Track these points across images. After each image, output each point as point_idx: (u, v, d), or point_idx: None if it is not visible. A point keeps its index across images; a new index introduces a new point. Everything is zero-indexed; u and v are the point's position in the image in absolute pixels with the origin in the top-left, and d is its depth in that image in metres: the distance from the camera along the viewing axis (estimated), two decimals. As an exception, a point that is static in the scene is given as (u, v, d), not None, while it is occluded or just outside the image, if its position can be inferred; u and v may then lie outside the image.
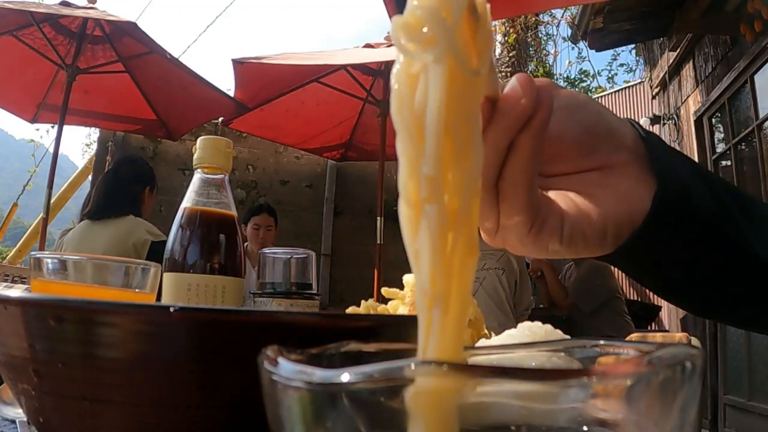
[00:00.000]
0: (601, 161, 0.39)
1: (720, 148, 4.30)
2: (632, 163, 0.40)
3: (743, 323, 0.54)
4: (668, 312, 4.89)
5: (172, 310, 0.28)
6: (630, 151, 0.40)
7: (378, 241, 3.31)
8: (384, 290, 0.55)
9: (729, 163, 4.12)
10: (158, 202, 3.07)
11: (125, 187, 2.56)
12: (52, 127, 5.52)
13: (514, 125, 0.33)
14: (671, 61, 4.78)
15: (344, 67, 3.47)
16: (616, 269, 3.57)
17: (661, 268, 0.44)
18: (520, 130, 0.33)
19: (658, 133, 5.40)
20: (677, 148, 4.91)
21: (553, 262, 3.89)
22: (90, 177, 5.50)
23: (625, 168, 0.39)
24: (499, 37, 8.41)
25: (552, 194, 0.39)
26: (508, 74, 8.17)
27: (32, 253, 0.60)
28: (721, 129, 4.31)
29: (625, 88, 6.38)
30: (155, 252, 2.37)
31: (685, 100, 4.72)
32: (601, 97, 6.52)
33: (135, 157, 3.03)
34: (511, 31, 8.26)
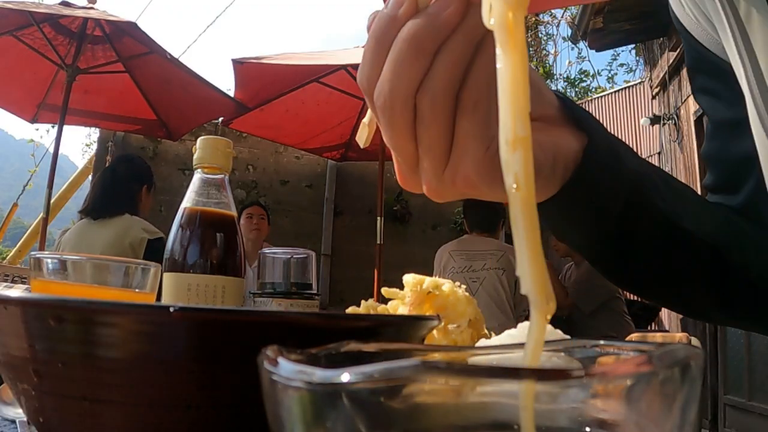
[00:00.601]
0: (538, 113, 0.38)
1: (720, 148, 4.30)
2: (561, 118, 0.40)
3: (666, 300, 0.57)
4: (668, 312, 4.89)
5: (172, 310, 0.28)
6: (557, 108, 0.40)
7: (378, 241, 3.32)
8: (384, 290, 0.55)
9: (729, 163, 4.12)
10: (158, 202, 3.08)
11: (122, 185, 2.56)
12: (52, 127, 5.53)
13: (448, 19, 0.31)
14: (671, 61, 4.78)
15: (344, 67, 3.47)
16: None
17: (591, 225, 0.44)
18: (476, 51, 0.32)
19: (657, 133, 5.40)
20: (677, 148, 4.91)
21: (553, 262, 3.89)
22: (90, 177, 5.50)
23: (556, 122, 0.39)
24: (499, 37, 8.41)
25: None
26: (508, 74, 8.16)
27: (32, 253, 0.60)
28: (721, 129, 4.30)
29: (625, 88, 6.37)
30: (153, 250, 2.37)
31: (685, 100, 4.72)
32: (601, 97, 6.52)
33: (132, 156, 3.03)
34: (511, 31, 8.25)
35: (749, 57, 0.47)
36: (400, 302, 0.54)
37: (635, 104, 5.98)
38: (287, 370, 0.19)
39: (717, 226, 0.51)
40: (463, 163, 0.34)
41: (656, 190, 0.46)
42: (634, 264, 0.49)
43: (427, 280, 0.53)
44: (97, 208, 2.52)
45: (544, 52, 9.13)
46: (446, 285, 0.53)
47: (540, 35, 8.95)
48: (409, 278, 0.54)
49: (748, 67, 0.47)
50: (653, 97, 5.44)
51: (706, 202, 0.55)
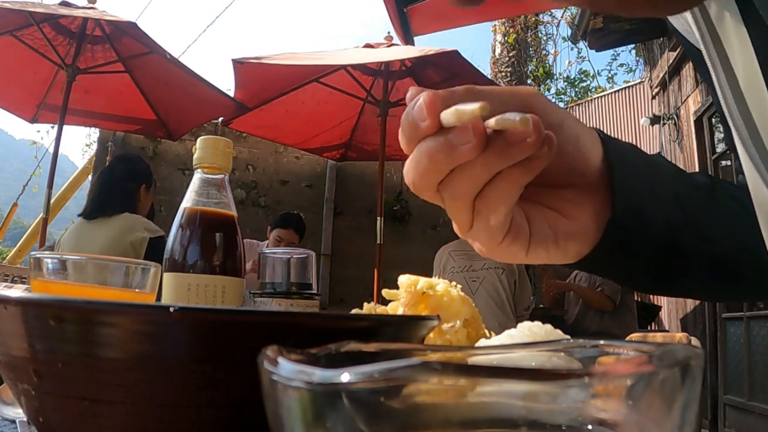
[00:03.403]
0: (575, 180, 0.42)
1: (720, 148, 4.30)
2: (599, 183, 0.42)
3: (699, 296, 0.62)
4: (668, 312, 4.89)
5: (172, 310, 0.28)
6: (599, 171, 0.42)
7: (378, 241, 3.32)
8: (384, 291, 0.55)
9: (729, 163, 4.13)
10: (158, 202, 3.08)
11: (120, 185, 2.55)
12: (52, 127, 5.53)
13: (511, 158, 0.34)
14: (671, 61, 4.78)
15: (344, 67, 3.47)
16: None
17: (621, 274, 0.49)
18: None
19: (658, 133, 5.40)
20: (677, 148, 4.92)
21: (557, 266, 3.90)
22: (90, 177, 5.50)
23: (593, 189, 0.42)
24: (499, 37, 8.42)
25: (525, 204, 0.41)
26: (509, 74, 8.17)
27: (32, 253, 0.60)
28: (721, 129, 4.30)
29: (625, 88, 6.37)
30: (154, 248, 2.36)
31: (685, 100, 4.72)
32: (601, 97, 6.52)
33: (131, 155, 3.03)
34: (511, 31, 8.26)
35: (722, 62, 0.46)
36: (400, 304, 0.54)
37: (635, 104, 5.98)
38: (287, 370, 0.19)
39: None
40: (477, 246, 0.41)
41: (691, 230, 0.46)
42: (675, 288, 0.53)
43: (422, 281, 0.53)
44: (95, 209, 2.52)
45: (544, 52, 9.13)
46: (440, 285, 0.53)
47: (540, 35, 8.95)
48: (404, 279, 0.54)
49: (720, 72, 0.46)
50: (653, 97, 5.44)
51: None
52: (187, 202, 0.67)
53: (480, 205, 0.37)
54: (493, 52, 8.48)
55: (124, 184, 2.56)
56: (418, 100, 0.34)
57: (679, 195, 0.47)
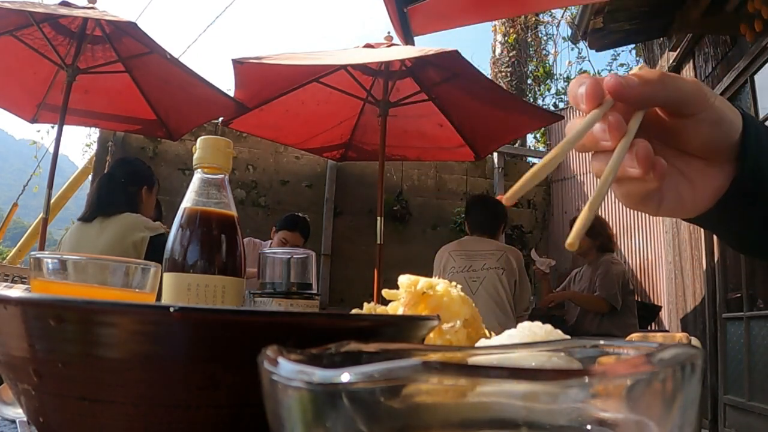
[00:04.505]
0: (713, 156, 0.48)
1: (720, 148, 4.30)
2: (729, 159, 0.49)
3: None
4: (668, 312, 4.89)
5: (172, 310, 0.28)
6: (732, 149, 0.48)
7: (378, 241, 3.32)
8: (385, 292, 0.55)
9: (729, 163, 4.12)
10: (158, 202, 3.08)
11: (119, 188, 2.54)
12: (52, 127, 5.53)
13: (624, 176, 0.44)
14: (671, 61, 4.78)
15: (344, 67, 3.47)
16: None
17: (732, 231, 0.55)
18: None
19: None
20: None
21: (558, 267, 3.91)
22: (90, 177, 5.51)
23: (723, 163, 0.49)
24: (499, 37, 8.41)
25: (668, 168, 0.46)
26: (509, 74, 8.17)
27: (32, 253, 0.60)
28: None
29: (625, 88, 6.36)
30: (155, 246, 2.35)
31: (685, 100, 4.71)
32: (601, 97, 6.51)
33: (131, 159, 3.02)
34: (511, 31, 8.25)
35: None
36: (400, 304, 0.54)
37: (635, 104, 5.97)
38: (287, 370, 0.19)
39: None
40: (624, 195, 0.49)
41: None
42: None
43: (422, 281, 0.53)
44: (93, 212, 2.50)
45: (544, 52, 9.13)
46: (440, 285, 0.53)
47: (540, 35, 8.94)
48: (404, 279, 0.54)
49: None
50: (653, 97, 5.43)
51: None
52: (187, 202, 0.67)
53: (621, 186, 0.46)
54: (493, 52, 8.48)
55: (125, 188, 2.55)
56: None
57: None
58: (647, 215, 5.62)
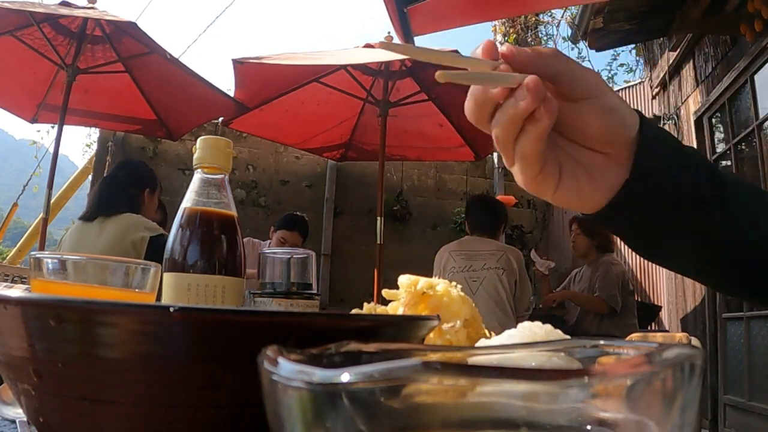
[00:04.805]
0: (610, 151, 0.50)
1: (720, 148, 4.30)
2: (628, 157, 0.50)
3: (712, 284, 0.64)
4: (668, 312, 4.89)
5: (172, 310, 0.28)
6: (630, 147, 0.50)
7: (378, 241, 3.32)
8: (385, 292, 0.55)
9: (729, 163, 4.12)
10: (162, 204, 3.09)
11: (121, 189, 2.55)
12: (52, 127, 5.53)
13: (515, 115, 0.45)
14: (671, 61, 4.78)
15: (344, 67, 3.47)
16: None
17: (629, 231, 0.55)
18: (529, 119, 0.45)
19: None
20: (677, 148, 4.91)
21: (559, 268, 3.91)
22: (90, 177, 5.51)
23: (622, 160, 0.50)
24: (499, 37, 8.41)
25: (567, 156, 0.50)
26: (508, 74, 8.17)
27: (32, 253, 0.60)
28: (721, 129, 4.30)
29: (625, 88, 6.37)
30: (155, 246, 2.35)
31: (685, 100, 4.72)
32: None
33: (133, 161, 3.02)
34: (511, 31, 8.25)
35: None
36: (400, 304, 0.54)
37: (635, 104, 5.98)
38: (287, 370, 0.19)
39: None
40: (519, 178, 0.50)
41: (705, 214, 0.51)
42: (677, 261, 0.58)
43: (422, 281, 0.53)
44: (94, 213, 2.51)
45: (544, 52, 9.12)
46: (441, 285, 0.53)
47: (540, 35, 8.94)
48: (404, 279, 0.54)
49: None
50: (653, 97, 5.43)
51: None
52: (187, 202, 0.67)
53: (516, 146, 0.47)
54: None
55: (126, 189, 2.56)
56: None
57: (700, 176, 0.52)
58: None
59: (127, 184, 2.57)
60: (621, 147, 0.50)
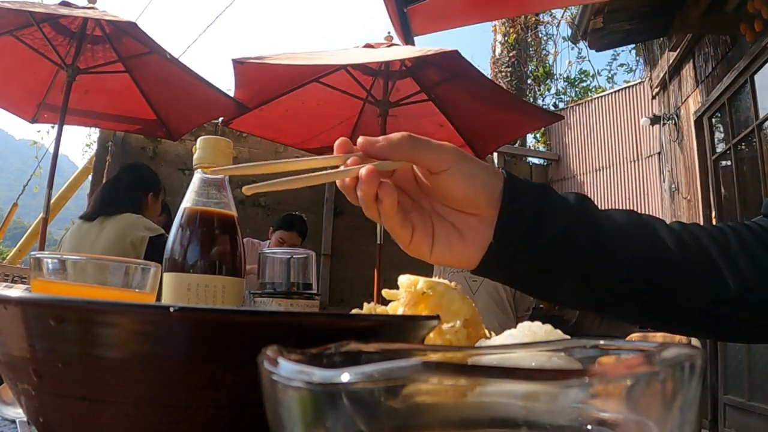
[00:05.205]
0: (476, 212, 0.55)
1: (720, 148, 4.30)
2: (493, 219, 0.55)
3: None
4: (668, 312, 4.89)
5: (172, 310, 0.28)
6: (496, 207, 0.54)
7: (378, 241, 3.31)
8: (384, 292, 0.55)
9: (729, 163, 4.12)
10: (167, 206, 3.09)
11: (124, 191, 2.57)
12: (52, 127, 5.53)
13: (363, 198, 0.53)
14: (671, 61, 4.78)
15: (344, 67, 3.47)
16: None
17: (508, 279, 0.59)
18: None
19: (657, 133, 5.40)
20: (677, 148, 4.91)
21: None
22: (90, 177, 5.50)
23: (491, 220, 0.54)
24: (499, 37, 8.41)
25: (440, 220, 0.56)
26: (509, 74, 8.17)
27: (32, 253, 0.60)
28: (721, 129, 4.31)
29: (625, 88, 6.37)
30: (155, 247, 2.36)
31: (685, 100, 4.72)
32: (601, 97, 6.51)
33: (138, 164, 3.03)
34: (511, 31, 8.25)
35: None
36: (400, 304, 0.54)
37: (635, 104, 5.98)
38: (287, 370, 0.19)
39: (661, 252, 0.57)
40: (398, 242, 0.56)
41: (575, 258, 0.55)
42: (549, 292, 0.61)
43: (422, 281, 0.53)
44: (95, 212, 2.53)
45: (544, 52, 9.13)
46: (441, 285, 0.53)
47: (540, 35, 8.94)
48: (404, 279, 0.54)
49: None
50: (653, 97, 5.43)
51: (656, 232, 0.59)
52: (187, 202, 0.67)
53: (381, 220, 0.54)
54: (493, 52, 8.47)
55: (129, 192, 2.58)
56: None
57: (570, 223, 0.55)
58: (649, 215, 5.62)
59: (131, 187, 2.60)
60: (487, 208, 0.54)
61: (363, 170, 0.50)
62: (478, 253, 0.55)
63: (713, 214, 4.25)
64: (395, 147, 0.52)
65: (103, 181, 4.71)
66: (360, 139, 0.52)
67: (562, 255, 0.55)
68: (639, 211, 0.59)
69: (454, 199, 0.54)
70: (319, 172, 0.53)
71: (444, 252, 0.55)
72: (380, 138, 0.52)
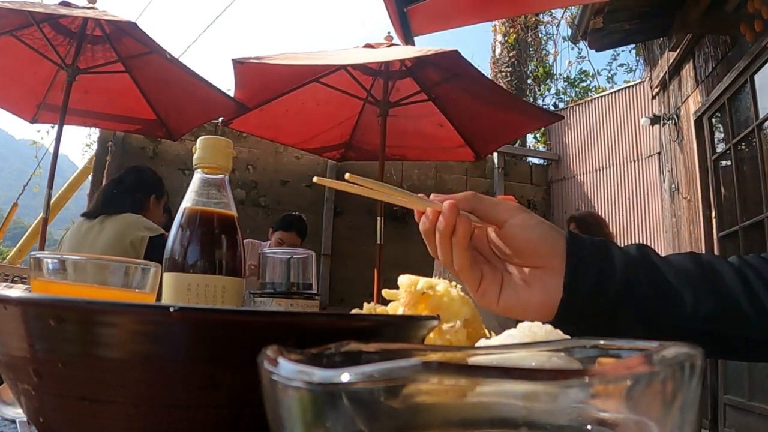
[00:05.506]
0: (539, 264, 0.60)
1: (720, 148, 4.30)
2: (560, 270, 0.59)
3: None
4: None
5: (172, 310, 0.28)
6: (561, 261, 0.59)
7: (378, 241, 3.31)
8: (384, 292, 0.55)
9: (729, 163, 4.12)
10: (168, 207, 3.09)
11: (126, 192, 2.60)
12: (52, 127, 5.53)
13: (443, 231, 0.59)
14: (671, 61, 4.78)
15: (344, 67, 3.47)
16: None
17: (590, 331, 0.62)
18: (453, 233, 0.59)
19: (657, 133, 5.40)
20: (677, 148, 4.91)
21: None
22: (90, 177, 5.50)
23: (554, 272, 0.59)
24: (499, 37, 8.41)
25: (508, 273, 0.61)
26: (509, 74, 8.17)
27: (32, 253, 0.60)
28: (721, 129, 4.30)
29: (625, 88, 6.36)
30: (155, 247, 2.37)
31: (685, 100, 4.72)
32: (601, 97, 6.52)
33: (143, 167, 3.04)
34: (511, 31, 8.25)
35: None
36: (400, 304, 0.54)
37: (635, 104, 5.97)
38: (287, 370, 0.19)
39: (721, 299, 0.59)
40: (469, 291, 0.60)
41: (639, 305, 0.58)
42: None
43: (422, 281, 0.53)
44: (97, 211, 2.54)
45: (544, 52, 9.12)
46: (441, 285, 0.53)
47: (540, 35, 8.94)
48: (404, 279, 0.54)
49: None
50: (653, 97, 5.43)
51: (708, 276, 0.61)
52: (187, 202, 0.67)
53: (454, 264, 0.60)
54: (493, 52, 8.47)
55: (132, 193, 2.60)
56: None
57: (637, 274, 0.59)
58: (648, 215, 5.63)
59: (133, 188, 2.61)
60: (550, 260, 0.59)
61: (446, 203, 0.59)
62: (543, 302, 0.59)
63: (713, 214, 4.25)
64: (461, 200, 0.61)
65: (104, 181, 4.71)
66: (432, 196, 0.62)
67: (626, 306, 0.58)
68: (698, 251, 0.62)
69: (517, 249, 0.60)
70: (407, 199, 0.62)
71: (511, 300, 0.60)
72: (450, 195, 0.61)
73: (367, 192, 0.61)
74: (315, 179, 0.62)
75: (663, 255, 0.62)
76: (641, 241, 5.45)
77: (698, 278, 0.59)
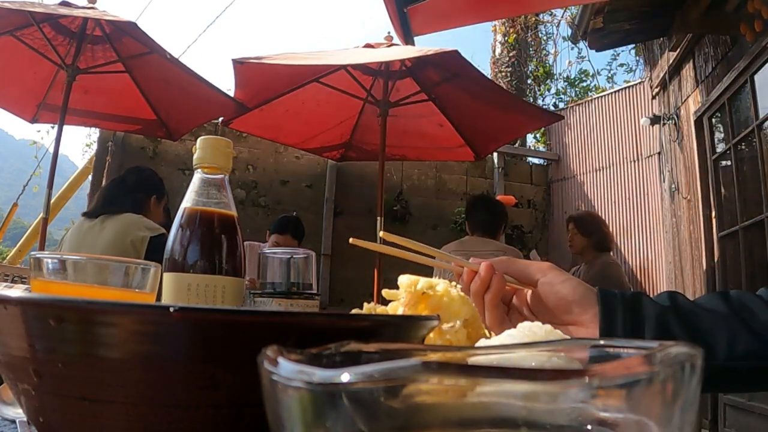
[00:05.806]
0: (572, 320, 0.63)
1: (720, 148, 4.30)
2: (594, 324, 0.61)
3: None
4: (668, 312, 4.88)
5: (172, 310, 0.28)
6: (593, 315, 0.61)
7: (378, 242, 3.31)
8: (384, 292, 0.55)
9: (729, 163, 4.12)
10: (167, 208, 3.10)
11: (127, 192, 2.60)
12: (52, 127, 5.52)
13: (477, 289, 0.65)
14: (671, 61, 4.78)
15: (344, 67, 3.47)
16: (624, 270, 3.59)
17: None
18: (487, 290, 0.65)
19: (657, 133, 5.40)
20: (677, 148, 4.91)
21: (558, 263, 3.88)
22: (90, 177, 5.50)
23: (588, 327, 0.61)
24: (499, 37, 8.41)
25: None
26: (509, 74, 8.17)
27: (32, 253, 0.60)
28: (721, 129, 4.30)
29: (625, 88, 6.36)
30: (155, 246, 2.37)
31: (685, 100, 4.72)
32: (601, 97, 6.51)
33: (144, 168, 3.05)
34: (511, 30, 8.25)
35: None
36: (400, 304, 0.54)
37: (635, 104, 5.97)
38: (287, 370, 0.19)
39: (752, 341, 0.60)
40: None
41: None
42: None
43: (422, 281, 0.53)
44: (98, 210, 2.55)
45: (544, 52, 9.12)
46: (440, 285, 0.54)
47: (540, 35, 8.94)
48: (404, 279, 0.54)
49: None
50: (653, 97, 5.43)
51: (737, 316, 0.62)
52: (187, 202, 0.67)
53: (486, 319, 0.65)
54: (493, 52, 8.47)
55: (133, 193, 2.60)
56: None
57: (667, 321, 0.61)
58: (648, 215, 5.63)
59: (134, 188, 2.62)
60: (583, 316, 0.62)
61: (483, 263, 0.65)
62: None
63: (713, 214, 4.25)
64: (497, 262, 0.66)
65: (104, 181, 4.72)
66: (471, 259, 0.68)
67: None
68: (727, 289, 0.63)
69: (551, 306, 0.63)
70: (446, 260, 0.69)
71: None
72: (487, 260, 0.67)
73: (403, 254, 0.68)
74: (351, 240, 0.69)
75: (692, 298, 0.64)
76: (641, 242, 5.46)
77: (731, 317, 0.61)
